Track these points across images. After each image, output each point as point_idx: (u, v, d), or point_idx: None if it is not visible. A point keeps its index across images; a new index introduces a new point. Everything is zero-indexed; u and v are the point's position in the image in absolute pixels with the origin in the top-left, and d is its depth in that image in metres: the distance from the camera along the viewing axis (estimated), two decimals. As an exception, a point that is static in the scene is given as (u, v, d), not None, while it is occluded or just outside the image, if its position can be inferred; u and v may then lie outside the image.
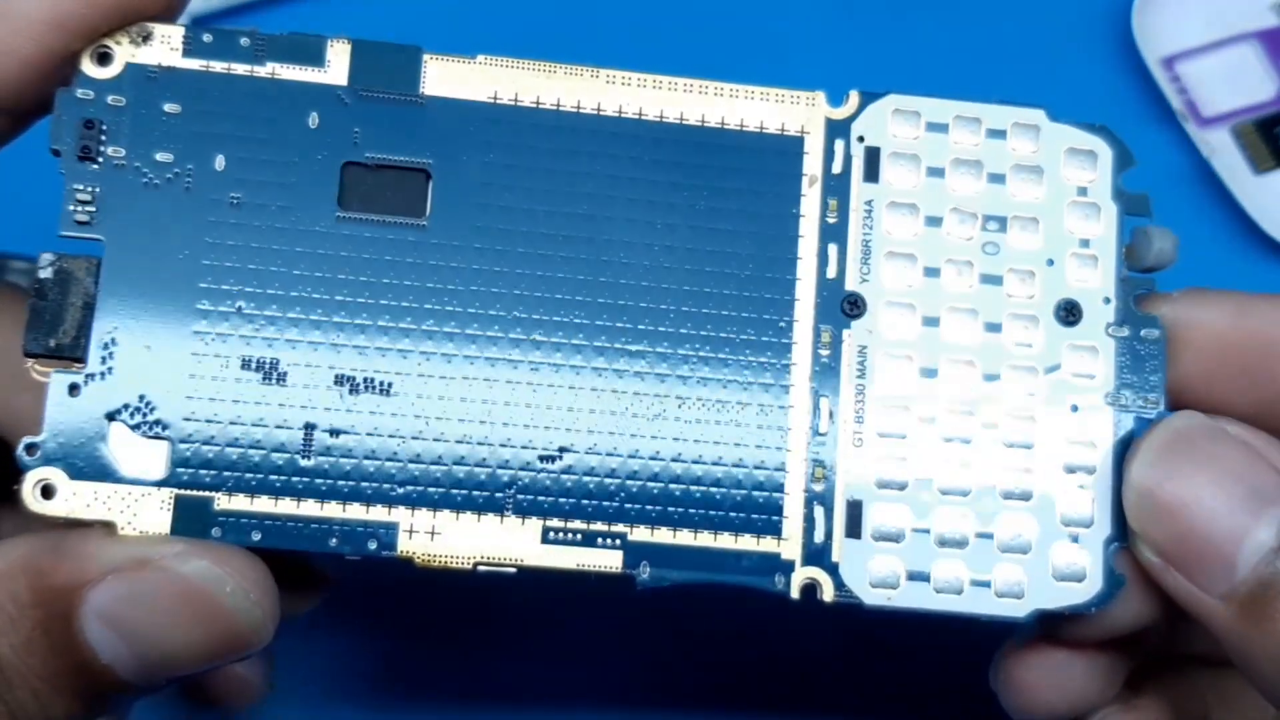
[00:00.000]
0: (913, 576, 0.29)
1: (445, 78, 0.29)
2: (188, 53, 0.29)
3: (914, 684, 0.41)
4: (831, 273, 0.30)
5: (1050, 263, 0.30)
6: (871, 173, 0.30)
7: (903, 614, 0.29)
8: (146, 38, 0.29)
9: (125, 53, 0.29)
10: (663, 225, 0.29)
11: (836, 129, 0.30)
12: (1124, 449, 0.30)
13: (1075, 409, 0.30)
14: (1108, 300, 0.30)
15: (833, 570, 0.29)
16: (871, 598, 0.29)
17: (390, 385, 0.28)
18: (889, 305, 0.30)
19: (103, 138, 0.28)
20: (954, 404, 0.30)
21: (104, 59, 0.29)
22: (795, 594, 0.29)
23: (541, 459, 0.29)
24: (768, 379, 0.29)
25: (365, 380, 0.28)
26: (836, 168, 0.30)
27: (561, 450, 0.29)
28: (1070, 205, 0.30)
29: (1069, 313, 0.30)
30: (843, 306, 0.30)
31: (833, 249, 0.30)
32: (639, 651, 0.41)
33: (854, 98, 0.30)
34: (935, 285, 0.30)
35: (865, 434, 0.29)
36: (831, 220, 0.30)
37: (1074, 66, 0.48)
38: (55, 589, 0.27)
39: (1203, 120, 0.46)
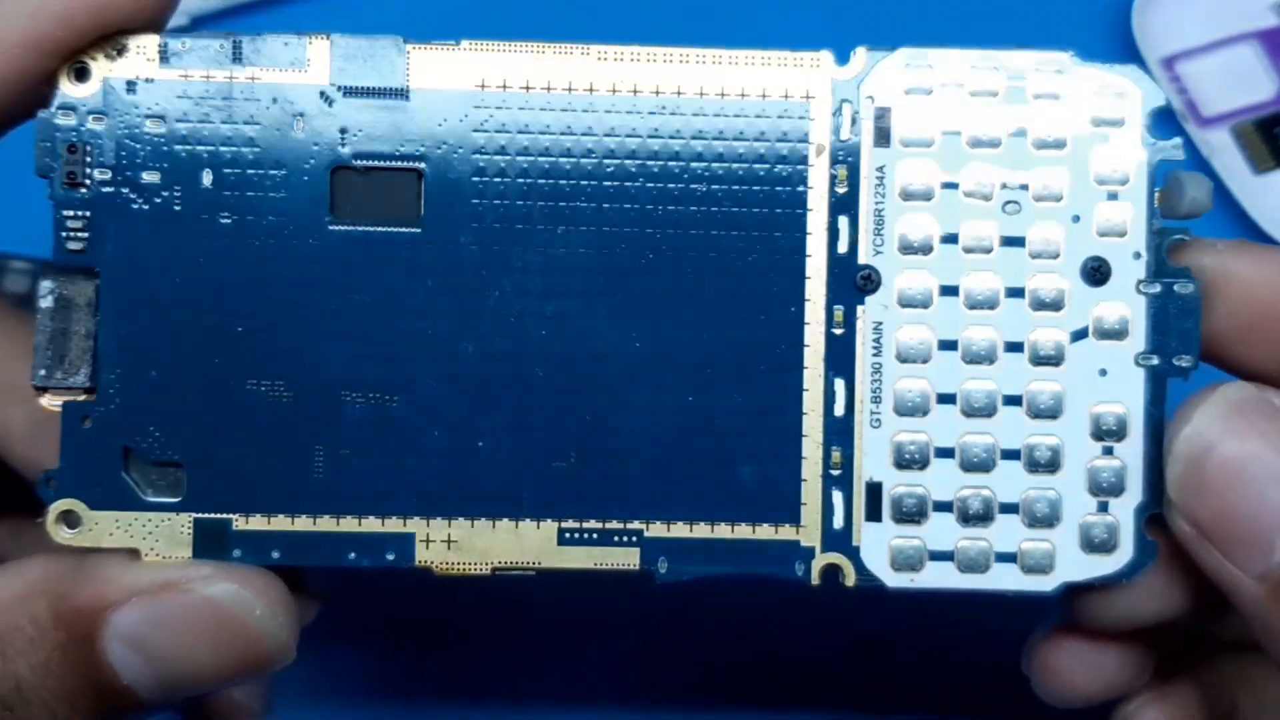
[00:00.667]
0: (935, 556, 0.28)
1: (430, 68, 0.28)
2: (164, 62, 0.28)
3: (916, 683, 0.41)
4: (843, 248, 0.28)
5: (1076, 219, 0.29)
6: (882, 136, 0.29)
7: (927, 594, 0.29)
8: (121, 51, 0.28)
9: (102, 68, 0.28)
10: (665, 210, 0.28)
11: (844, 90, 0.29)
12: (1155, 412, 0.29)
13: (1104, 373, 0.28)
14: (1138, 255, 0.29)
15: (853, 554, 0.29)
16: (894, 580, 0.29)
17: (397, 395, 0.28)
18: (905, 276, 0.29)
19: (87, 160, 0.28)
20: (975, 377, 0.29)
21: (81, 74, 0.28)
22: (815, 580, 0.29)
23: (555, 460, 0.28)
24: (780, 361, 0.28)
25: (371, 392, 0.28)
26: (845, 134, 0.29)
27: (574, 449, 0.28)
28: (1097, 154, 0.29)
29: (1096, 271, 0.29)
30: (856, 282, 0.28)
31: (843, 222, 0.29)
32: (642, 649, 0.42)
33: (861, 55, 0.29)
34: (953, 251, 0.29)
35: (883, 414, 0.28)
36: (841, 191, 0.28)
37: (1075, 65, 0.46)
38: (77, 610, 0.27)
39: (1202, 120, 0.46)
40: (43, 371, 0.28)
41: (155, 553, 0.28)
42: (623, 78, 0.28)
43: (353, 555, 0.28)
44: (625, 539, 0.29)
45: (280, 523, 0.28)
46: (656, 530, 0.29)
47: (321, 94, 0.28)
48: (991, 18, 0.47)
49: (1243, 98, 0.46)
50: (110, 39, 0.28)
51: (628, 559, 0.29)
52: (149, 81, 0.28)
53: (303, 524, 0.28)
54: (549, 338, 0.28)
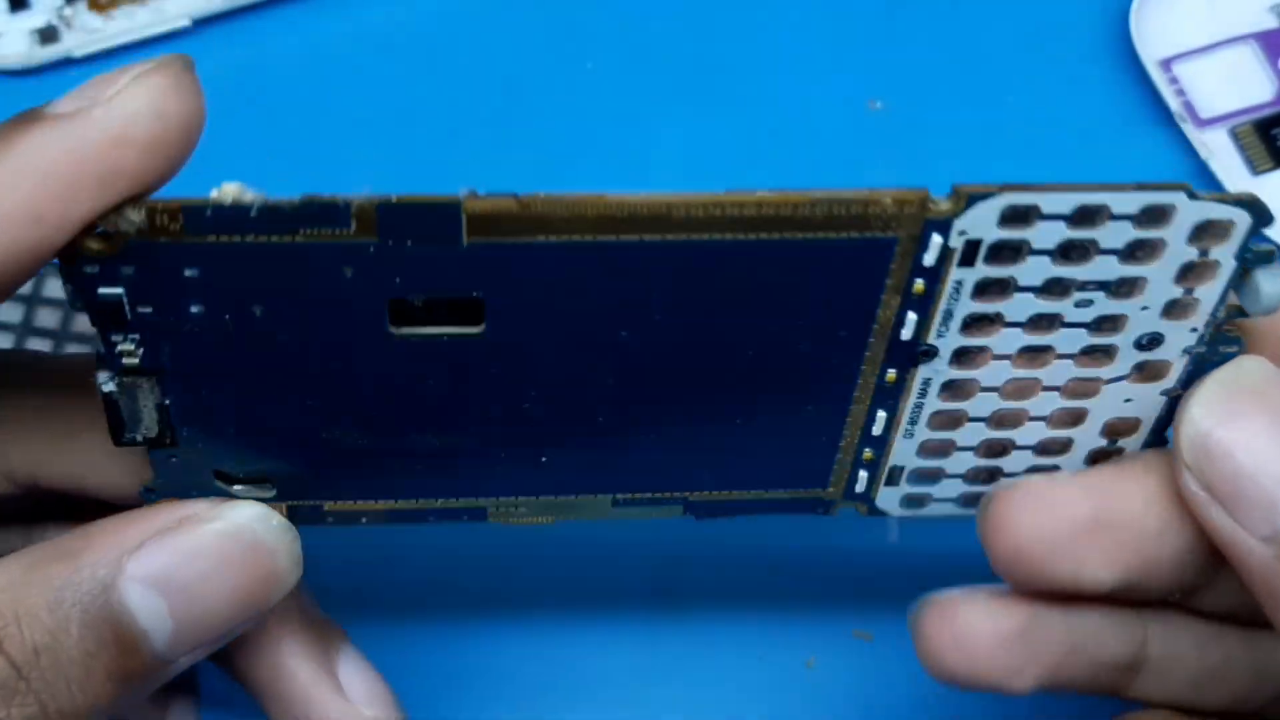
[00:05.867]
0: (943, 500, 0.32)
1: (484, 220, 0.25)
2: (190, 229, 0.25)
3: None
4: (907, 335, 0.28)
5: (1144, 309, 0.28)
6: (968, 258, 0.27)
7: (929, 521, 0.33)
8: (139, 220, 0.24)
9: (121, 236, 0.25)
10: (722, 327, 0.28)
11: (937, 226, 0.26)
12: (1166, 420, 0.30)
13: (1128, 401, 0.30)
14: (1194, 330, 0.28)
15: (869, 502, 0.32)
16: (900, 512, 0.32)
17: (462, 437, 0.29)
18: (962, 348, 0.29)
19: (124, 306, 0.26)
20: (1008, 400, 0.30)
21: (104, 237, 0.25)
22: (834, 511, 0.32)
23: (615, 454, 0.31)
24: (830, 408, 0.30)
25: (441, 435, 0.29)
26: (929, 260, 0.26)
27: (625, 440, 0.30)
28: (1185, 266, 0.27)
29: (1151, 342, 0.29)
30: (914, 357, 0.28)
31: (911, 317, 0.28)
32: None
33: (959, 193, 0.26)
34: (1015, 333, 0.28)
35: (918, 430, 0.30)
36: (917, 290, 0.27)
37: (1072, 68, 0.48)
38: (92, 562, 0.27)
39: (1200, 122, 0.46)
40: (122, 436, 0.28)
41: None
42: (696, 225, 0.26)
43: (431, 518, 0.31)
44: (671, 502, 0.32)
45: (366, 505, 0.31)
46: (699, 496, 0.32)
47: (371, 248, 0.25)
48: (992, 21, 0.48)
49: (1240, 99, 0.47)
50: (126, 206, 0.24)
51: (673, 513, 0.32)
52: (178, 244, 0.25)
53: (385, 504, 0.31)
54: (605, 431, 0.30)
